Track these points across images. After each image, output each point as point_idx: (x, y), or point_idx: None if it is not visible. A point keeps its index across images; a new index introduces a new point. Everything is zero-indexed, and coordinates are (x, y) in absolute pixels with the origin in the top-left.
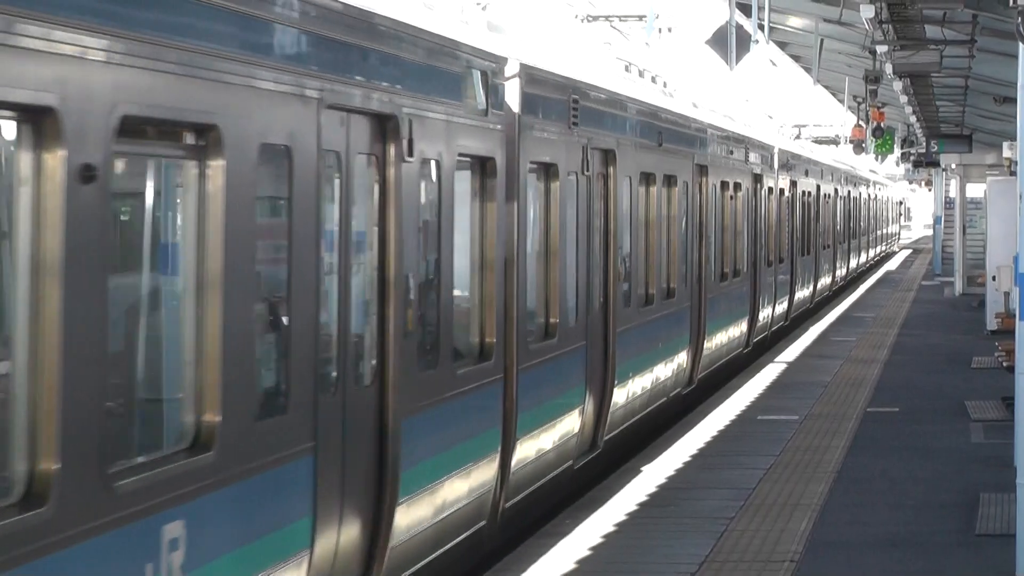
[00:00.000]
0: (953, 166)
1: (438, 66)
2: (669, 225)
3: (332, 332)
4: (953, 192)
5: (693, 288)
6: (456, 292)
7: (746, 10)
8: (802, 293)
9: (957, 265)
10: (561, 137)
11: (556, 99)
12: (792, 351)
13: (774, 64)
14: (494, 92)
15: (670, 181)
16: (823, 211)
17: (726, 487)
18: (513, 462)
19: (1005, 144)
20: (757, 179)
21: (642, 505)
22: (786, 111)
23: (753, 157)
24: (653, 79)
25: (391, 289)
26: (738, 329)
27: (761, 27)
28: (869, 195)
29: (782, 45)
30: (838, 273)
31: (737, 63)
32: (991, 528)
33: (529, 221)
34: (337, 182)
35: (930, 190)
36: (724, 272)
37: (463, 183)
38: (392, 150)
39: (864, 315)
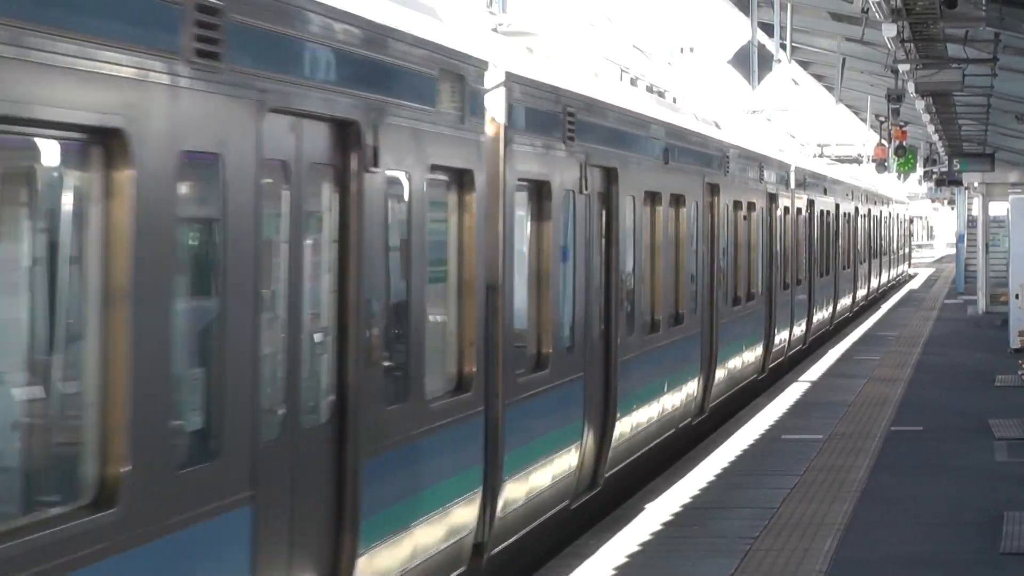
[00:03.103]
0: (975, 184)
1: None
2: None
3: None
4: (976, 210)
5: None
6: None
7: (768, 30)
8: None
9: (980, 283)
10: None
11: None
12: (815, 370)
13: (796, 83)
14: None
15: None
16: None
17: (750, 506)
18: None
19: None
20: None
21: (666, 525)
22: (808, 130)
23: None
24: (659, 92)
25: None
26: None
27: (783, 47)
28: (859, 211)
29: (804, 64)
30: (776, 342)
31: (759, 83)
32: (1015, 547)
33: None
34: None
35: (952, 209)
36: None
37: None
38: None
39: (887, 334)
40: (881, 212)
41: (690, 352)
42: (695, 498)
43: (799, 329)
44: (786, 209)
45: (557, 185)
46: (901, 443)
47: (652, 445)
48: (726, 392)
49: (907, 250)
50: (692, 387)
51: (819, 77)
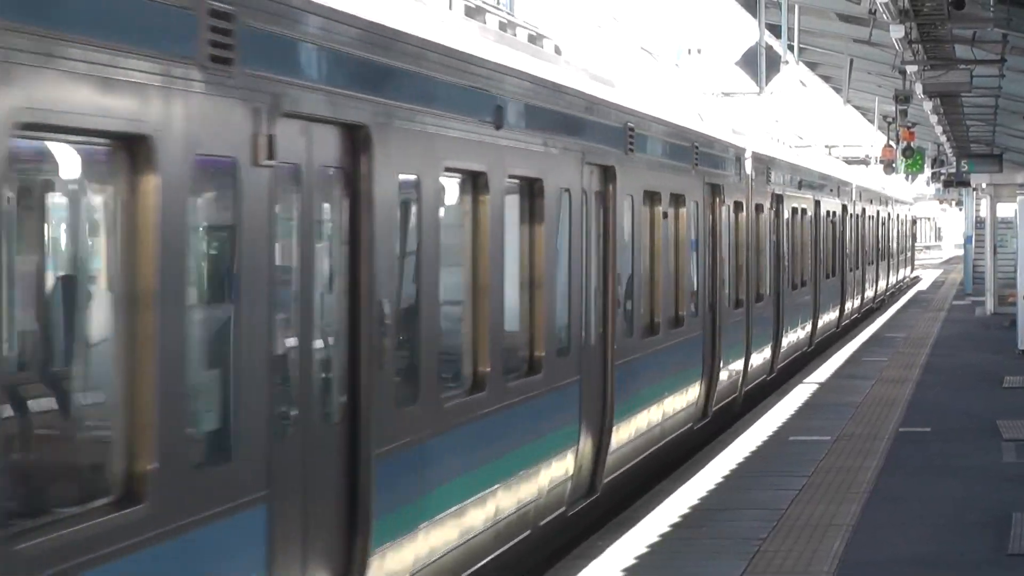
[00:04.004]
0: (983, 186)
1: None
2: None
3: None
4: (984, 212)
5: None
6: None
7: (776, 31)
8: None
9: (988, 284)
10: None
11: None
12: (823, 372)
13: (804, 85)
14: None
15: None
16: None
17: (758, 508)
18: None
19: None
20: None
21: (674, 526)
22: (816, 131)
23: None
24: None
25: None
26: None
27: (791, 48)
28: (848, 210)
29: (812, 66)
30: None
31: (767, 84)
32: (1023, 548)
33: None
34: None
35: (960, 210)
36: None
37: None
38: None
39: (895, 335)
40: (878, 212)
41: (559, 414)
42: (703, 499)
43: (761, 357)
44: (738, 205)
45: (169, 143)
46: (909, 444)
47: (487, 561)
48: (639, 456)
49: (909, 254)
50: (565, 464)
51: (827, 78)
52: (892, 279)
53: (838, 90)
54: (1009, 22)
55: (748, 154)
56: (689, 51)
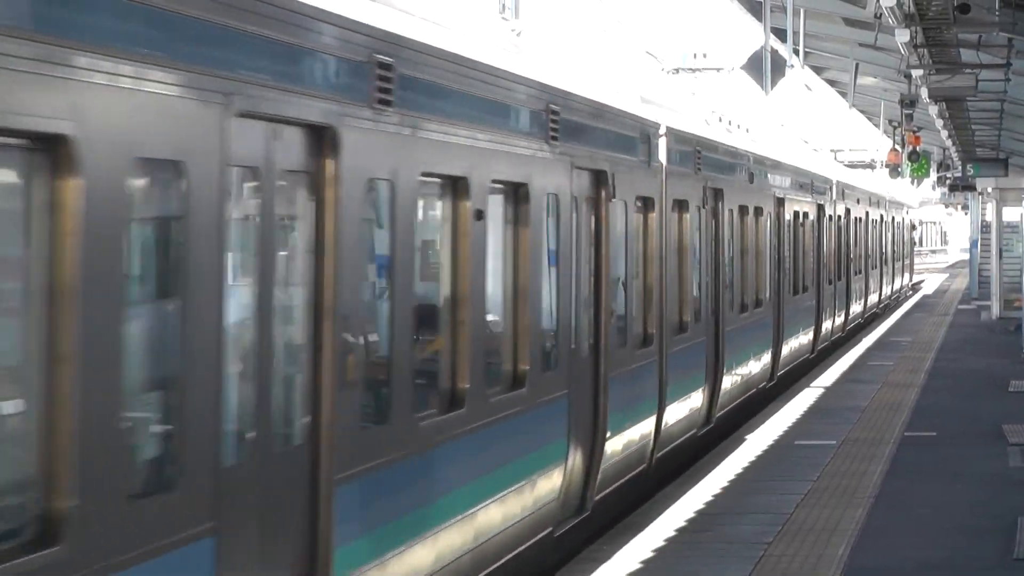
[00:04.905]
0: (989, 190)
1: None
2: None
3: None
4: (989, 216)
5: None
6: None
7: (781, 35)
8: None
9: (994, 289)
10: None
11: None
12: (829, 376)
13: (809, 89)
14: None
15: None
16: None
17: (764, 512)
18: None
19: None
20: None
21: (680, 530)
22: (822, 135)
23: None
24: None
25: None
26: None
27: (796, 52)
28: (826, 212)
29: (817, 70)
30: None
31: (772, 88)
32: None
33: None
34: None
35: (966, 214)
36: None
37: None
38: None
39: (901, 339)
40: (867, 214)
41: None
42: (709, 504)
43: (686, 407)
44: (645, 203)
45: None
46: (914, 449)
47: None
48: None
49: (907, 261)
50: None
51: (832, 82)
52: (886, 290)
53: (843, 94)
54: (1015, 26)
55: (662, 130)
56: (695, 55)
